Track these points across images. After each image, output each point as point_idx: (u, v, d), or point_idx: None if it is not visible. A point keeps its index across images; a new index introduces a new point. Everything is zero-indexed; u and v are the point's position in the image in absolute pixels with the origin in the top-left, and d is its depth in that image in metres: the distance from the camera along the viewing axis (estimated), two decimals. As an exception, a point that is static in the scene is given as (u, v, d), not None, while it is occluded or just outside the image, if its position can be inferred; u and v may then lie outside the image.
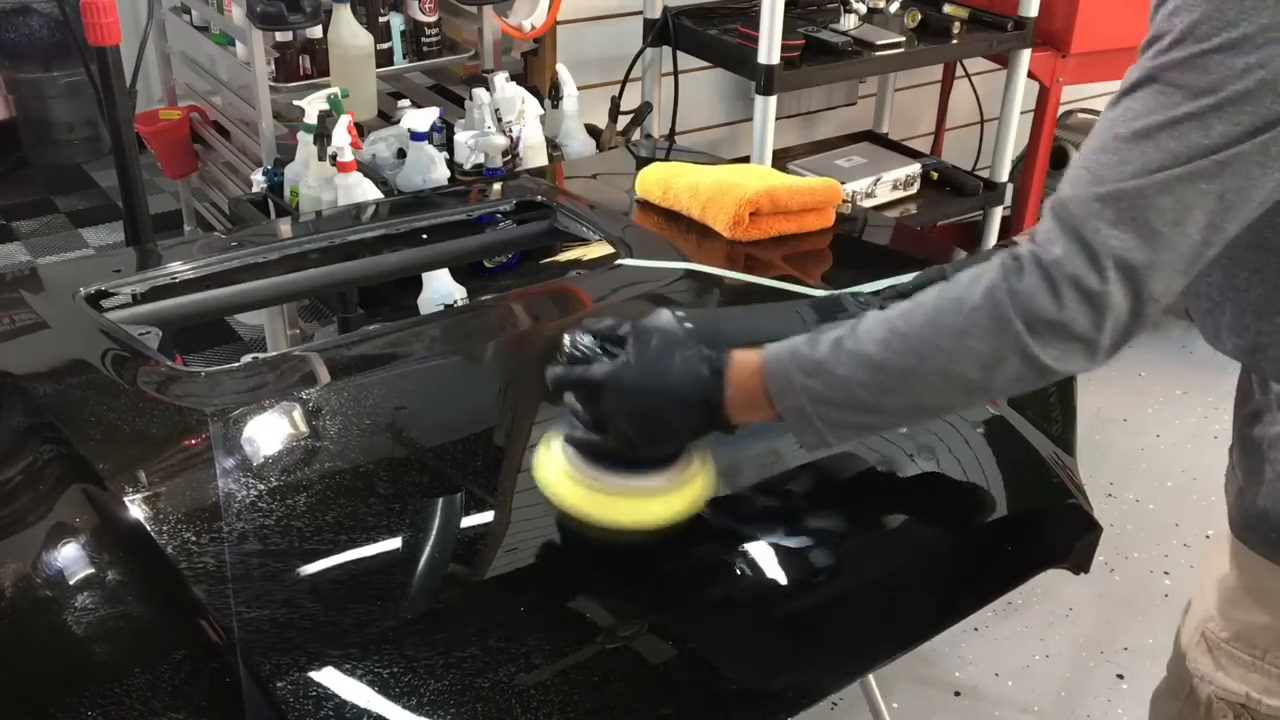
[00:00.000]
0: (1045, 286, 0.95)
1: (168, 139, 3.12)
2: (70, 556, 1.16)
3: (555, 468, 1.18)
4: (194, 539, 1.15)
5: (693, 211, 1.91)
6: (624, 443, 1.12)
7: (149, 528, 1.16)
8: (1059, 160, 3.35)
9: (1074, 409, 1.67)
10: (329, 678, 1.03)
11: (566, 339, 1.14)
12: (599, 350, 1.12)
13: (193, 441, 1.30)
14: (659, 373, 1.09)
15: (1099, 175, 0.95)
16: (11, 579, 1.14)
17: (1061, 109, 3.13)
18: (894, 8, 2.93)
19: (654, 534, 1.18)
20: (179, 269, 1.74)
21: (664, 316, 1.13)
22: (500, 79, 2.37)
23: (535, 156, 2.36)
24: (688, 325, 1.11)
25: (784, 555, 1.26)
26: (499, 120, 2.32)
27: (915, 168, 3.02)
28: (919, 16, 2.86)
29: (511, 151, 2.30)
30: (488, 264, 2.16)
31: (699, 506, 1.19)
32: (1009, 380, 1.00)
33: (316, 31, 2.47)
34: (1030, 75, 2.96)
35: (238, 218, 2.51)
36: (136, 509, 1.19)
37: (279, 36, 2.47)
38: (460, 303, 2.01)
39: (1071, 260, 0.95)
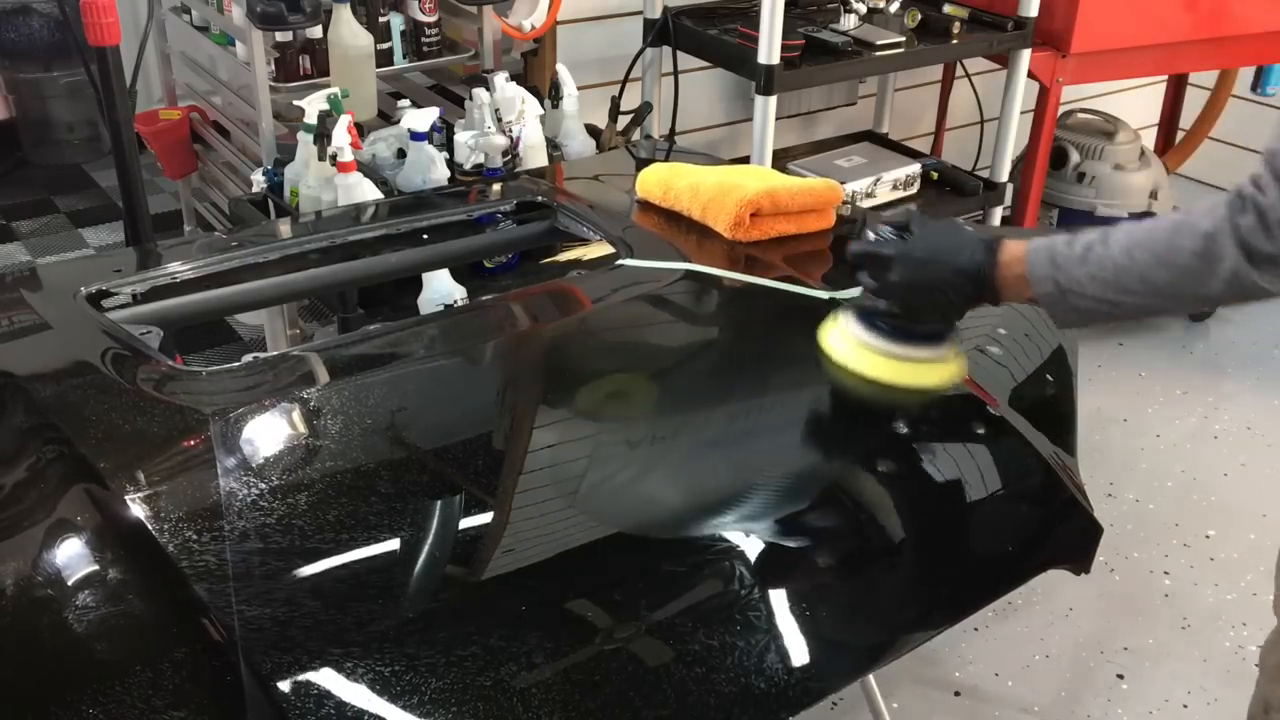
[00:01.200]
0: (1259, 226, 1.14)
1: (168, 139, 3.12)
2: (72, 555, 1.16)
3: (841, 333, 1.44)
4: (195, 538, 1.15)
5: (693, 212, 1.91)
6: (906, 306, 1.37)
7: (150, 527, 1.16)
8: (1059, 160, 3.35)
9: (1074, 409, 1.67)
10: (330, 676, 1.03)
11: (867, 230, 1.38)
12: (892, 234, 1.36)
13: (194, 441, 1.30)
14: (941, 248, 1.34)
15: None
16: (14, 578, 1.14)
17: (1061, 109, 3.13)
18: (894, 8, 2.93)
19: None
20: (179, 269, 1.74)
21: (952, 221, 1.38)
22: (500, 79, 2.37)
23: (535, 156, 2.36)
24: (970, 228, 1.37)
25: (785, 556, 1.26)
26: (499, 120, 2.32)
27: (915, 168, 3.02)
28: (919, 16, 2.86)
29: (511, 151, 2.30)
30: (488, 264, 2.16)
31: (957, 381, 1.43)
32: (1229, 294, 1.20)
33: (316, 31, 2.47)
34: (1030, 75, 2.96)
35: (238, 218, 2.51)
36: (138, 508, 1.19)
37: (279, 36, 2.47)
38: (460, 303, 2.01)
39: None
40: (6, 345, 1.57)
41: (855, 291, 1.68)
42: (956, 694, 2.27)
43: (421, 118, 2.24)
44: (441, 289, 2.03)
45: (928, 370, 1.41)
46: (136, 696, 1.01)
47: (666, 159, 2.29)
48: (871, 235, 1.38)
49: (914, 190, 3.01)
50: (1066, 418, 1.63)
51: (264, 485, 1.23)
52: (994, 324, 1.79)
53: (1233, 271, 1.16)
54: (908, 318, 1.38)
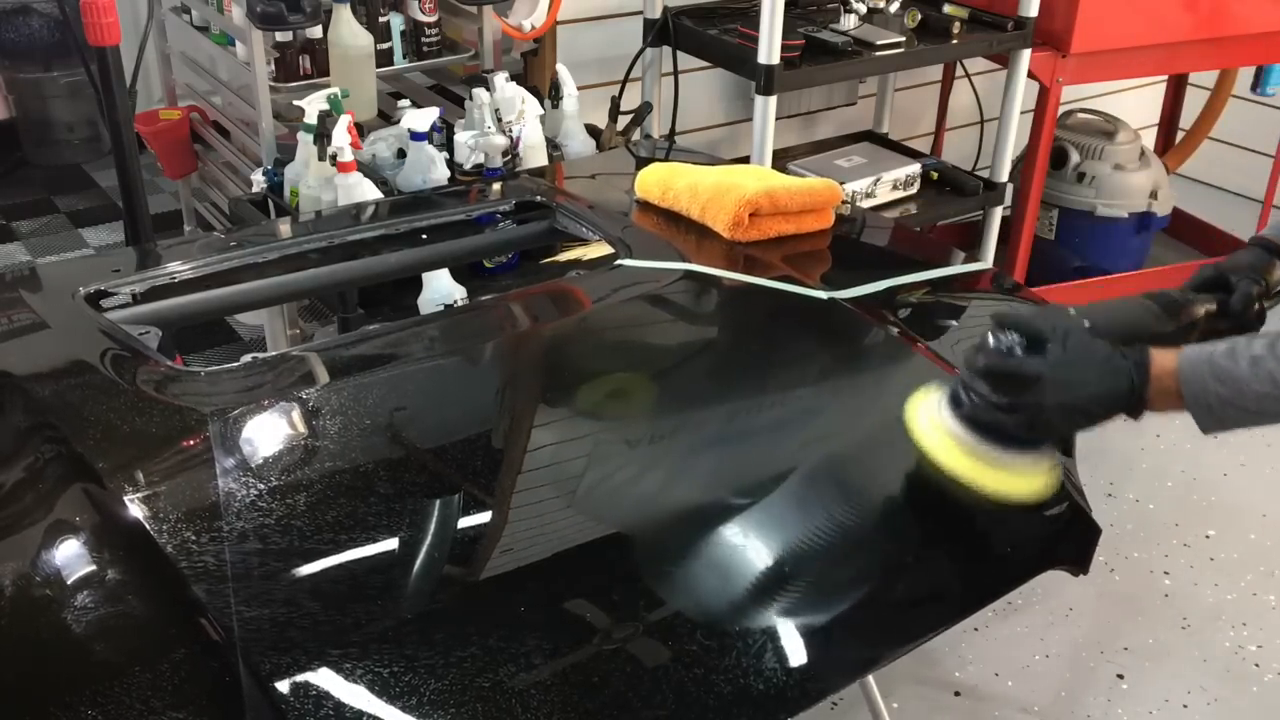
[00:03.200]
0: None
1: (168, 139, 3.12)
2: (70, 556, 1.16)
3: (931, 418, 1.30)
4: (194, 538, 1.15)
5: (692, 212, 1.91)
6: (1034, 425, 1.25)
7: (149, 527, 1.16)
8: (1059, 160, 3.35)
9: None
10: (329, 677, 1.03)
11: (990, 335, 1.25)
12: (1020, 347, 1.24)
13: (192, 441, 1.30)
14: (1092, 369, 1.24)
15: None
16: (12, 578, 1.14)
17: (1061, 109, 3.13)
18: (894, 8, 2.93)
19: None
20: (179, 269, 1.74)
21: (1069, 315, 1.27)
22: (500, 79, 2.37)
23: (535, 156, 2.36)
24: (1088, 323, 1.26)
25: (784, 556, 1.26)
26: (499, 120, 2.32)
27: (915, 168, 3.01)
28: (919, 16, 2.86)
29: (511, 151, 2.30)
30: (488, 264, 2.16)
31: (1048, 494, 1.32)
32: None
33: (316, 31, 2.47)
34: (1030, 75, 2.95)
35: (238, 218, 2.51)
36: (136, 508, 1.19)
37: (279, 36, 2.47)
38: (460, 303, 2.01)
39: None
40: (5, 345, 1.57)
41: (855, 292, 1.69)
42: (956, 694, 2.27)
43: (421, 118, 2.24)
44: (441, 289, 2.03)
45: (1021, 479, 1.30)
46: (135, 697, 1.01)
47: (666, 159, 2.29)
48: (993, 342, 1.25)
49: (914, 190, 3.01)
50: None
51: (263, 486, 1.23)
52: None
53: None
54: (1030, 433, 1.27)
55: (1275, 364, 1.19)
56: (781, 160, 2.95)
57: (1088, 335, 1.25)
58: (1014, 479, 1.29)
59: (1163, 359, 1.24)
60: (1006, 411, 1.25)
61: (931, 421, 1.31)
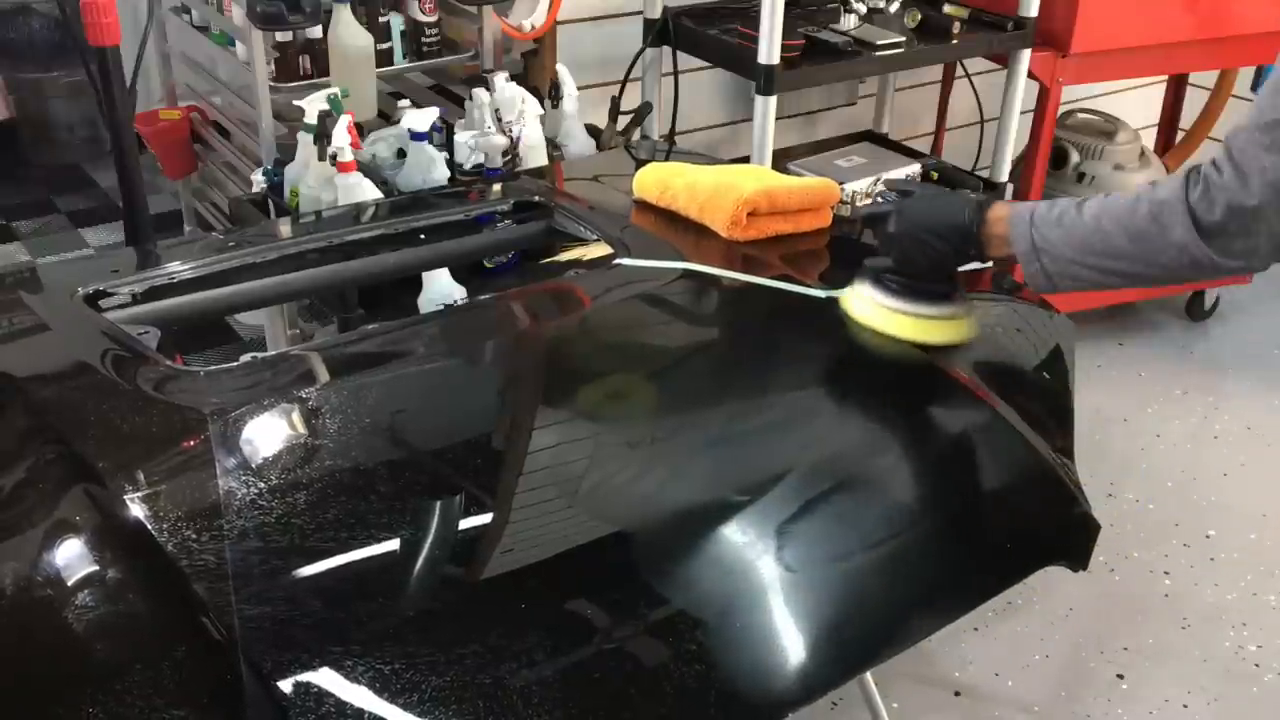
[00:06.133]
0: (1204, 197, 1.25)
1: (168, 139, 3.11)
2: (72, 556, 1.16)
3: (858, 296, 1.58)
4: (194, 537, 1.15)
5: (690, 211, 1.91)
6: (900, 258, 1.51)
7: (149, 526, 1.16)
8: (1059, 160, 3.35)
9: (1071, 407, 1.67)
10: (330, 675, 1.03)
11: (877, 198, 1.57)
12: (895, 196, 1.52)
13: (192, 440, 1.30)
14: (935, 205, 1.48)
15: (1262, 109, 1.22)
16: (13, 578, 1.14)
17: (1061, 109, 3.13)
18: (894, 8, 2.93)
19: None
20: (178, 269, 1.74)
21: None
22: (500, 79, 2.37)
23: (535, 156, 2.36)
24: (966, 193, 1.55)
25: (784, 554, 1.26)
26: (499, 120, 2.32)
27: (915, 168, 3.01)
28: (919, 16, 2.86)
29: (511, 151, 2.30)
30: (487, 264, 2.16)
31: (969, 338, 1.56)
32: (1183, 265, 1.29)
33: (316, 31, 2.47)
34: (1030, 75, 2.96)
35: (238, 218, 2.51)
36: (137, 508, 1.19)
37: (279, 36, 2.47)
38: (460, 303, 2.01)
39: (1229, 182, 1.22)
40: (4, 346, 1.57)
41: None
42: (956, 694, 2.27)
43: (421, 118, 2.24)
44: (441, 289, 2.03)
45: (939, 327, 1.53)
46: (137, 696, 1.01)
47: (666, 159, 2.29)
48: (876, 195, 1.53)
49: (914, 190, 3.01)
50: (1064, 416, 1.63)
51: (263, 484, 1.23)
52: (991, 323, 1.80)
53: (1182, 240, 1.26)
54: (903, 269, 1.51)
55: (1077, 214, 1.34)
56: (781, 160, 2.94)
57: (946, 190, 1.52)
58: (936, 326, 1.53)
59: (1001, 206, 1.44)
60: (881, 250, 1.51)
61: (854, 294, 1.58)
